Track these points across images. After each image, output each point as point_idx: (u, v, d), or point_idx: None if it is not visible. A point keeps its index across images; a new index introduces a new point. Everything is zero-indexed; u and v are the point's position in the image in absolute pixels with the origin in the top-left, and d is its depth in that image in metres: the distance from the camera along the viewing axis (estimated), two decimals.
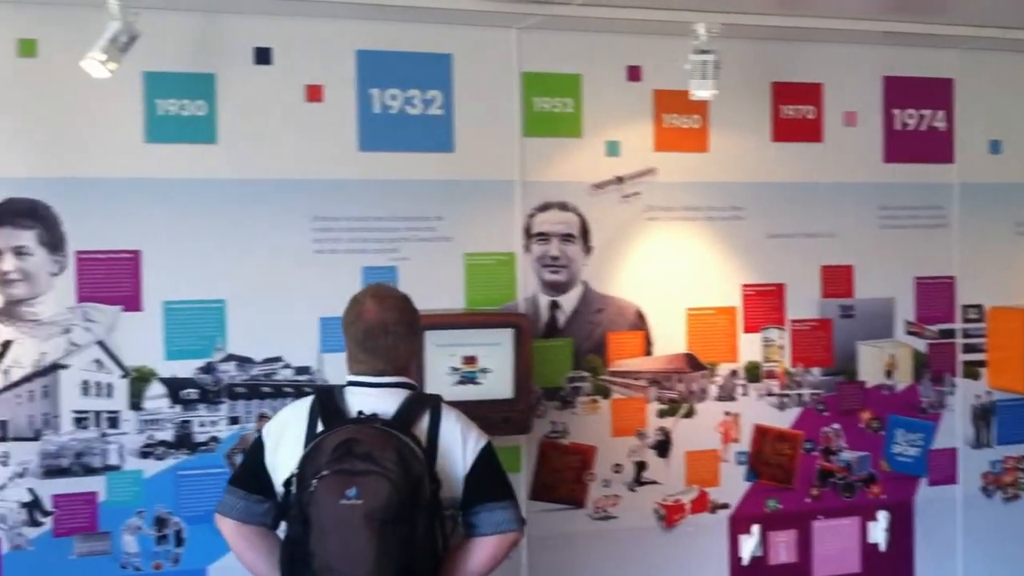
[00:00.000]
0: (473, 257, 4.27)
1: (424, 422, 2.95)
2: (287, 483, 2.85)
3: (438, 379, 3.98)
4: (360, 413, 2.89)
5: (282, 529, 2.97)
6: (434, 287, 4.19)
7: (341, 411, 2.92)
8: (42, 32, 3.79)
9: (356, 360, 3.03)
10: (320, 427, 2.88)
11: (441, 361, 4.01)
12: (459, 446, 2.99)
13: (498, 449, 4.20)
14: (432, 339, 3.97)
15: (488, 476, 3.02)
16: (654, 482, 4.52)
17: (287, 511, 2.85)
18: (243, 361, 3.97)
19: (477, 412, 3.97)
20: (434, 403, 3.03)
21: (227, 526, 3.02)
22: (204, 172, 3.94)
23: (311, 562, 2.74)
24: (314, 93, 4.07)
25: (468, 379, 4.05)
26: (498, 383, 4.07)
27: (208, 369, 3.94)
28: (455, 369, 4.03)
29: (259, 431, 3.11)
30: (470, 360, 4.06)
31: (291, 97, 4.05)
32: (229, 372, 3.96)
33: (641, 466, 4.51)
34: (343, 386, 3.01)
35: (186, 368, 3.92)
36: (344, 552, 2.71)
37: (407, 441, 2.83)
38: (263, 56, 4.02)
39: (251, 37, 4.00)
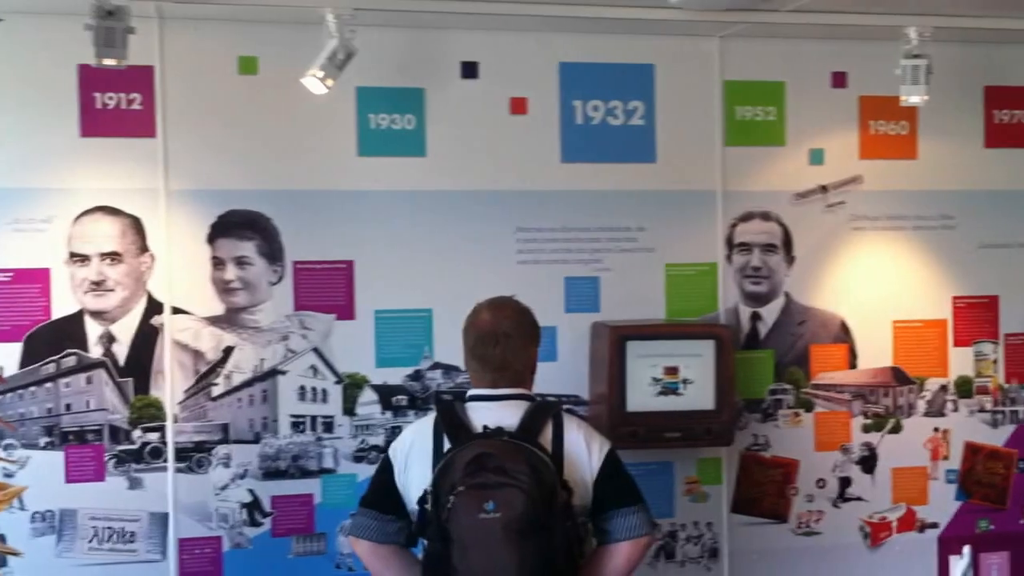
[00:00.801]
0: (674, 268, 4.25)
1: (548, 432, 2.95)
2: (422, 500, 2.86)
3: (639, 389, 3.98)
4: (485, 427, 2.89)
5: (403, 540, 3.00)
6: (635, 297, 4.20)
7: (465, 426, 2.93)
8: (262, 50, 3.95)
9: (470, 369, 3.07)
10: (447, 443, 2.89)
11: (642, 371, 4.01)
12: (584, 453, 2.97)
13: (698, 460, 4.27)
14: (633, 349, 3.98)
15: (616, 482, 3.00)
16: (859, 498, 4.42)
17: (425, 528, 2.85)
18: (449, 369, 4.05)
19: (678, 423, 4.01)
20: (555, 412, 3.02)
21: (362, 548, 3.05)
22: (413, 184, 4.05)
23: None
24: (518, 106, 4.14)
25: (669, 390, 4.03)
26: (699, 394, 4.04)
27: (416, 376, 4.04)
28: (656, 380, 4.02)
29: (385, 452, 3.12)
30: (671, 371, 4.04)
31: (496, 110, 4.12)
32: (436, 379, 4.05)
33: (845, 482, 4.41)
34: (464, 401, 3.03)
35: (396, 375, 4.03)
36: (488, 565, 2.72)
37: (537, 452, 2.83)
38: (470, 70, 4.10)
39: (458, 52, 4.09)
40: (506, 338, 3.01)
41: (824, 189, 4.37)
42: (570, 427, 3.00)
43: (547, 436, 2.94)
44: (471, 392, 3.05)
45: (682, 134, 4.25)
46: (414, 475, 2.93)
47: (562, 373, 4.09)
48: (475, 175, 4.09)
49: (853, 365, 4.42)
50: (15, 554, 2.49)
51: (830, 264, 4.39)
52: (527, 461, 2.76)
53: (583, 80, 4.18)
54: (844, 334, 4.41)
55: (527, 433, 2.89)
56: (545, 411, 3.00)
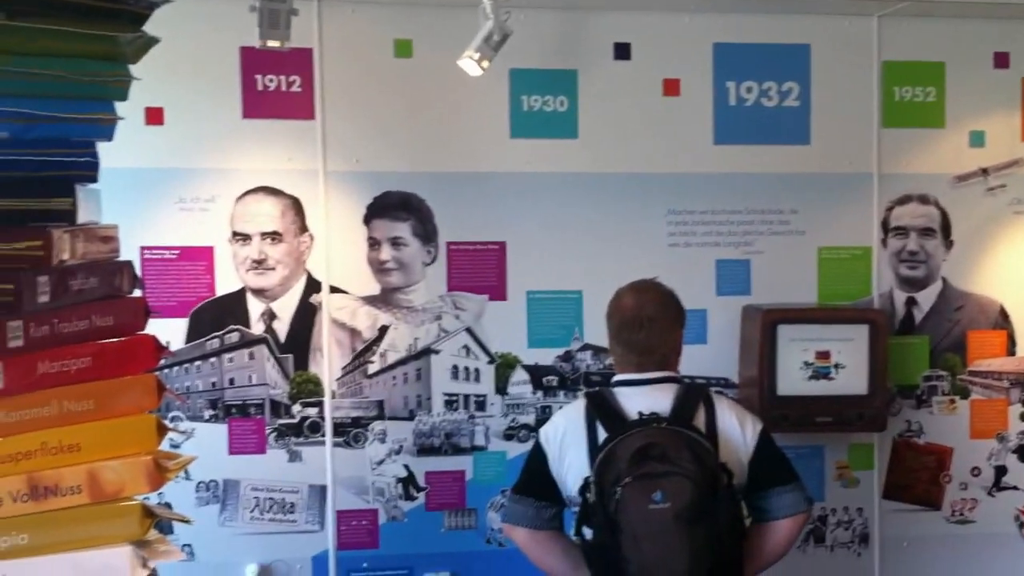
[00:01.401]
0: (827, 251, 4.20)
1: (701, 414, 2.94)
2: (583, 490, 2.86)
3: (790, 373, 3.95)
4: (641, 414, 2.89)
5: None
6: (786, 281, 4.16)
7: (619, 413, 2.92)
8: (417, 33, 4.00)
9: (615, 354, 3.06)
10: (601, 431, 2.89)
11: (793, 356, 3.97)
12: (739, 434, 2.97)
13: (849, 445, 4.22)
14: (785, 333, 3.95)
15: (772, 460, 2.99)
16: (1015, 487, 4.32)
17: (589, 518, 2.86)
18: (599, 351, 4.07)
19: (830, 408, 3.97)
20: (705, 394, 3.01)
21: (520, 535, 3.06)
22: (565, 166, 4.06)
23: (626, 567, 2.76)
24: (671, 87, 4.12)
25: (821, 374, 3.99)
26: (852, 379, 3.99)
27: (567, 357, 4.07)
28: (808, 364, 3.98)
29: (534, 432, 3.13)
30: (823, 355, 4.00)
31: (649, 92, 4.11)
32: (586, 361, 4.08)
33: (1001, 470, 4.31)
34: (611, 387, 3.03)
35: (547, 356, 4.06)
36: (660, 555, 2.72)
37: (696, 437, 2.83)
38: (622, 51, 4.10)
39: (611, 33, 4.08)
40: (650, 322, 3.01)
41: (984, 172, 4.26)
42: (722, 408, 2.99)
43: (700, 419, 2.94)
44: (618, 377, 3.05)
45: (838, 115, 4.18)
46: (570, 463, 2.96)
47: (712, 356, 4.08)
48: (627, 157, 4.09)
49: (1012, 352, 4.30)
50: (186, 521, 2.59)
51: (989, 249, 4.28)
52: (688, 447, 2.77)
53: (737, 61, 4.13)
54: (1003, 320, 4.30)
55: (682, 418, 2.89)
56: (696, 393, 3.00)
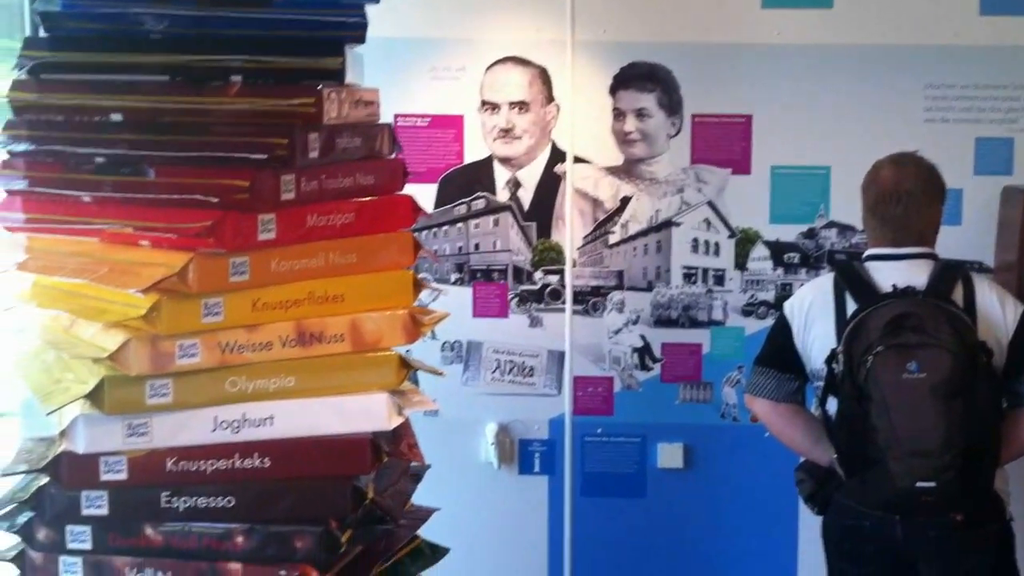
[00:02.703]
0: None
1: (959, 291, 2.84)
2: (829, 360, 2.82)
3: None
4: (895, 287, 2.80)
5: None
6: None
7: (871, 285, 2.84)
8: None
9: (868, 228, 2.97)
10: (850, 302, 2.83)
11: None
12: (999, 314, 2.86)
13: None
14: None
15: None
16: None
17: (834, 388, 2.83)
18: (844, 229, 3.98)
19: None
20: (964, 272, 2.90)
21: (762, 406, 3.05)
22: (817, 38, 3.93)
23: (875, 437, 2.71)
24: None
25: None
26: None
27: (810, 235, 4.00)
28: None
29: (775, 309, 3.07)
30: None
31: None
32: (830, 239, 3.99)
33: None
34: (862, 260, 2.93)
35: (789, 232, 4.00)
36: (913, 426, 2.66)
37: (955, 311, 2.74)
38: None
39: None
40: (908, 196, 2.93)
41: None
42: (982, 287, 2.91)
43: (958, 295, 2.86)
44: (871, 251, 2.99)
45: None
46: (816, 334, 2.93)
47: (966, 238, 3.90)
48: (884, 28, 3.91)
49: None
50: (438, 373, 2.72)
51: None
52: (948, 321, 2.70)
53: None
54: None
55: (939, 292, 2.82)
56: (954, 270, 2.92)
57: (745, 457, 4.03)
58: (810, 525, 3.78)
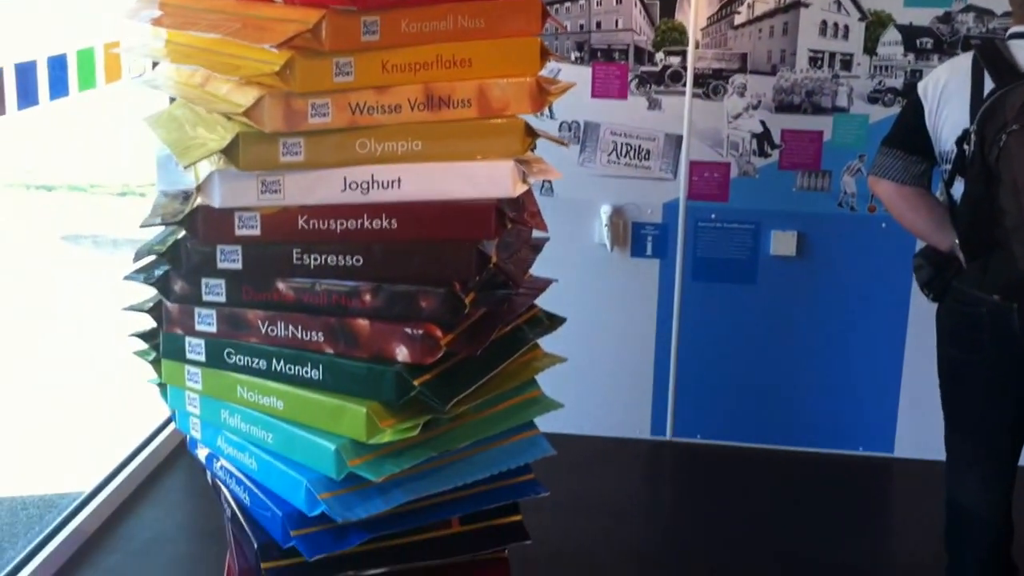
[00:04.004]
0: None
1: None
2: (960, 141, 2.72)
3: None
4: None
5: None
6: None
7: (1012, 64, 2.70)
8: None
9: (1014, 5, 2.80)
10: (988, 81, 2.70)
11: None
12: None
13: None
14: None
15: None
16: None
17: (963, 170, 2.73)
18: (983, 13, 3.81)
19: None
20: None
21: (885, 187, 2.96)
22: None
23: (1001, 219, 2.64)
24: None
25: None
26: None
27: (946, 19, 3.83)
28: None
29: (914, 91, 2.95)
30: None
31: None
32: (967, 24, 3.82)
33: None
34: (1004, 39, 2.79)
35: (924, 16, 3.84)
36: None
37: None
38: None
39: None
40: None
41: None
42: None
43: None
44: (1015, 29, 2.85)
45: None
46: (949, 114, 2.84)
47: None
48: None
49: None
50: (563, 144, 2.72)
51: None
52: None
53: None
54: None
55: None
56: None
57: (859, 247, 4.00)
58: (920, 316, 3.82)
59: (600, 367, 4.15)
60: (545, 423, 2.43)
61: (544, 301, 2.53)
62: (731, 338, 4.16)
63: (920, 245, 3.03)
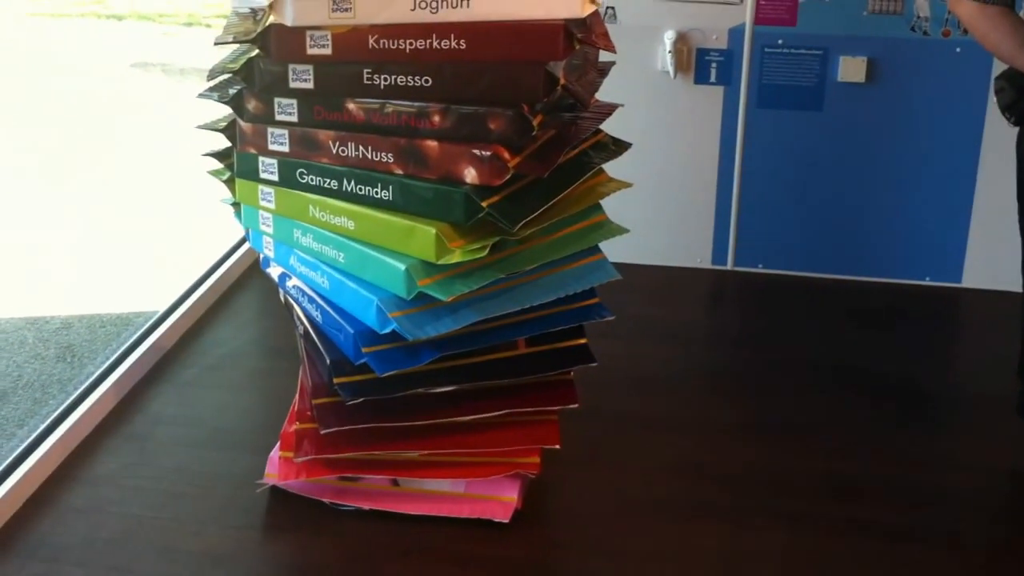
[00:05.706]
0: None
1: None
2: None
3: None
4: None
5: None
6: None
7: None
8: None
9: None
10: None
11: None
12: None
13: None
14: None
15: None
16: None
17: None
18: None
19: None
20: None
21: (967, 8, 2.84)
22: None
23: None
24: None
25: None
26: None
27: None
28: None
29: None
30: None
31: None
32: None
33: None
34: None
35: None
36: None
37: None
38: None
39: None
40: None
41: None
42: None
43: None
44: None
45: None
46: None
47: None
48: None
49: None
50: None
51: None
52: None
53: None
54: None
55: None
56: None
57: (932, 73, 3.91)
58: (994, 144, 3.76)
59: (662, 195, 4.15)
60: (606, 251, 2.46)
61: (607, 127, 2.53)
62: (795, 166, 4.12)
63: (1000, 68, 2.95)
